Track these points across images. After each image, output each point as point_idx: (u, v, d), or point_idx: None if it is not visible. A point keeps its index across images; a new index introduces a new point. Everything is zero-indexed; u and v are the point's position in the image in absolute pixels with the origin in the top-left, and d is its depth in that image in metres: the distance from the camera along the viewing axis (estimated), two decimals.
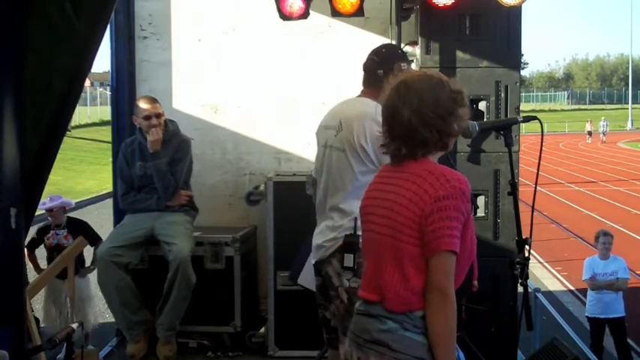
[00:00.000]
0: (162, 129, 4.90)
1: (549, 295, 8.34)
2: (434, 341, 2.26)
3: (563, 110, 72.87)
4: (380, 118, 3.00)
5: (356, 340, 2.40)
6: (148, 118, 4.85)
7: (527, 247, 3.42)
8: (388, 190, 2.39)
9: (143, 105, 4.88)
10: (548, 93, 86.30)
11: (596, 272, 6.21)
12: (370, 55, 3.57)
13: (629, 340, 6.41)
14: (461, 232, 2.28)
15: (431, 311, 2.26)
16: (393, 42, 4.91)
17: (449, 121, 2.37)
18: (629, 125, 55.84)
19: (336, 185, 3.44)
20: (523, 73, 57.98)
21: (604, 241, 6.35)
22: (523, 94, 47.19)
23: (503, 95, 4.65)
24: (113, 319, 5.09)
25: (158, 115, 4.88)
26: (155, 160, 4.84)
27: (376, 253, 2.40)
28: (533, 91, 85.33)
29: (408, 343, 2.28)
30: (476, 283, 2.82)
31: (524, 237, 3.43)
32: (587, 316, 6.38)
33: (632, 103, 61.68)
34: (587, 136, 43.45)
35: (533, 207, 3.61)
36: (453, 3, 4.50)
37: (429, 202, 2.26)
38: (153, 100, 4.92)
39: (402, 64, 3.46)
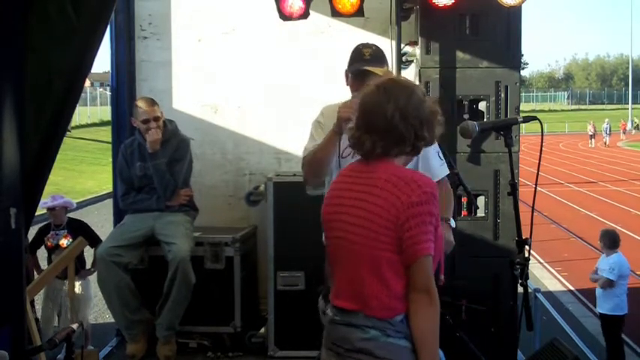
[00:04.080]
0: (161, 129, 4.89)
1: (549, 295, 8.35)
2: (419, 341, 2.28)
3: (563, 110, 72.92)
4: (320, 119, 3.40)
5: (336, 350, 2.40)
6: (146, 121, 4.84)
7: (527, 247, 3.41)
8: (358, 198, 2.38)
9: (141, 108, 4.86)
10: (548, 93, 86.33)
11: (598, 267, 6.45)
12: None
13: (627, 339, 6.40)
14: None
15: (417, 312, 2.29)
16: (393, 42, 4.92)
17: (424, 127, 2.41)
18: (629, 125, 55.77)
19: None
20: (523, 73, 57.80)
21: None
22: (523, 94, 47.09)
23: (503, 95, 4.65)
24: (113, 319, 5.09)
25: (156, 119, 4.86)
26: (154, 161, 4.83)
27: (349, 261, 2.39)
28: (533, 91, 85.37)
29: (392, 349, 2.30)
30: (442, 277, 2.84)
31: (524, 237, 3.41)
32: None
33: (632, 103, 61.69)
34: (590, 140, 41.17)
35: (533, 207, 3.61)
36: (453, 3, 4.51)
37: (402, 209, 2.27)
38: (152, 103, 4.89)
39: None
